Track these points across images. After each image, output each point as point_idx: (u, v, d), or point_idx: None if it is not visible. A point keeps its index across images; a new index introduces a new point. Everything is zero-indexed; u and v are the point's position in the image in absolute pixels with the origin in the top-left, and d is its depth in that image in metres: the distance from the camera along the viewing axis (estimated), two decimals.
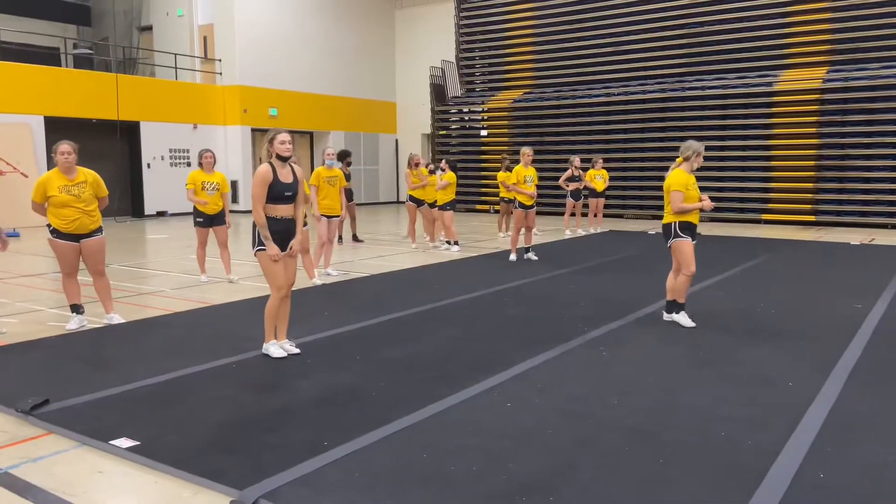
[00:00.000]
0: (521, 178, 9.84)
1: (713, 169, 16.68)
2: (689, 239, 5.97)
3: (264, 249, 4.97)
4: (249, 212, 18.43)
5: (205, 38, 20.88)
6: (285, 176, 5.00)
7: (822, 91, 15.34)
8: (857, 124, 15.13)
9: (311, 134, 22.96)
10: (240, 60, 19.96)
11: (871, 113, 14.95)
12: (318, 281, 8.28)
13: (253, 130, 20.47)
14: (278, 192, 4.95)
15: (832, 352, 5.16)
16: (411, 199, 12.17)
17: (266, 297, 5.29)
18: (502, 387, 4.44)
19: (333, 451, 3.41)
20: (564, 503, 2.93)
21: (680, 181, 5.88)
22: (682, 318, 6.02)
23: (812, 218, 15.46)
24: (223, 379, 4.65)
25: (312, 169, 18.39)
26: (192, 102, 19.54)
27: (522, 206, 9.90)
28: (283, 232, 5.03)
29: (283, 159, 4.99)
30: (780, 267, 9.51)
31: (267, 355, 5.08)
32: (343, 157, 12.37)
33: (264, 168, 4.95)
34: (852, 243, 12.14)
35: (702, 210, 5.90)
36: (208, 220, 8.24)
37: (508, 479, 3.14)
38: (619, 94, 18.18)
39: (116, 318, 6.28)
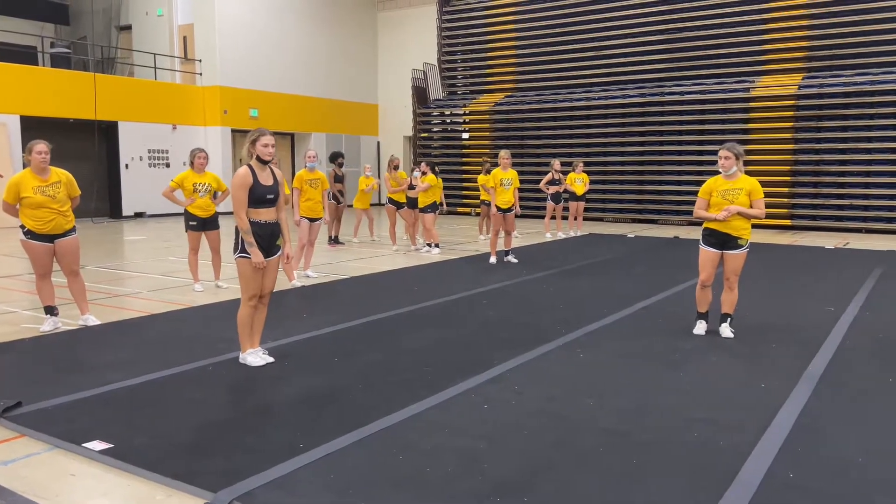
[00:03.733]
0: (497, 182, 9.88)
1: (691, 174, 16.87)
2: (705, 246, 5.78)
3: (247, 256, 4.82)
4: (231, 213, 18.27)
5: (185, 38, 20.72)
6: (265, 178, 4.85)
7: (798, 97, 15.58)
8: (831, 130, 15.39)
9: (292, 135, 22.86)
10: (220, 61, 19.83)
11: (845, 119, 15.21)
12: (297, 283, 8.24)
13: (233, 131, 20.34)
14: (260, 195, 4.81)
15: (804, 354, 5.24)
16: (391, 201, 12.17)
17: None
18: (480, 388, 4.46)
19: (309, 454, 3.41)
20: None
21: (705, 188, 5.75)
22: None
23: (788, 222, 15.69)
24: (199, 381, 4.62)
25: (294, 171, 18.30)
26: (171, 103, 19.37)
27: (499, 209, 9.95)
28: (267, 236, 4.89)
29: (264, 162, 4.84)
30: (756, 270, 9.62)
31: (245, 365, 4.94)
32: (334, 158, 12.32)
33: (243, 171, 4.79)
34: (827, 247, 12.33)
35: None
36: (201, 224, 7.84)
37: (484, 480, 3.15)
38: (599, 99, 18.32)
39: (92, 320, 6.21)
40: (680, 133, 17.11)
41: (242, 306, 4.92)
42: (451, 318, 6.61)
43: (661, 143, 17.39)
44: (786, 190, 15.77)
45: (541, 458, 3.42)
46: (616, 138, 17.99)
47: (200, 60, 20.03)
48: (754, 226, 5.84)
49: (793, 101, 15.60)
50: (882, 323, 6.34)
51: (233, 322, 5.92)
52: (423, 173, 11.55)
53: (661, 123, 17.34)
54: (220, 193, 8.03)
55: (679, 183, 17.10)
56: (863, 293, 7.76)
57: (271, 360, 5.00)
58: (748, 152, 16.24)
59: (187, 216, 7.89)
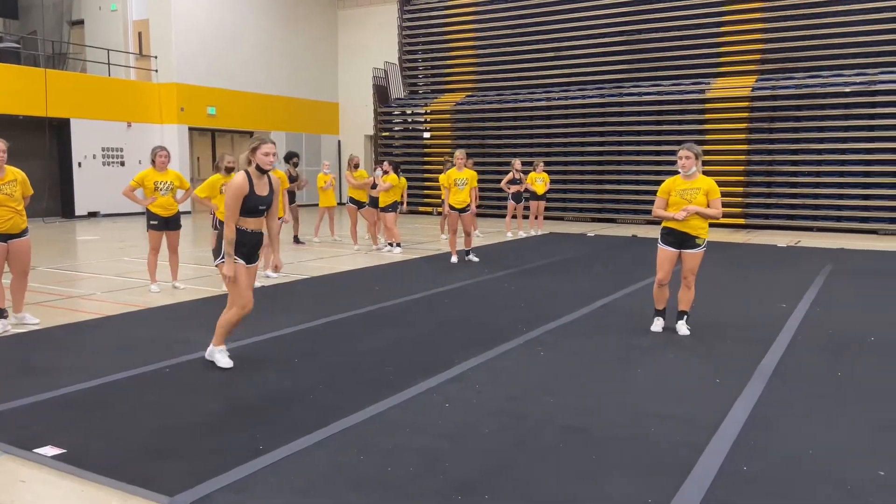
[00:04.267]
0: (451, 182, 9.91)
1: (649, 173, 17.17)
2: (663, 245, 5.88)
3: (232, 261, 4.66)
4: (189, 213, 18.07)
5: (140, 34, 20.26)
6: (261, 188, 4.68)
7: (752, 99, 15.98)
8: (783, 131, 15.82)
9: (251, 134, 22.50)
10: (176, 57, 19.44)
11: (797, 120, 15.65)
12: (256, 283, 8.13)
13: (191, 129, 19.97)
14: (252, 206, 4.64)
15: (758, 350, 5.39)
16: (352, 200, 12.11)
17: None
18: (440, 388, 4.47)
19: (269, 455, 3.38)
20: (499, 502, 2.98)
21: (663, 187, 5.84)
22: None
23: (742, 221, 16.08)
24: (156, 384, 4.53)
25: None
26: (125, 100, 18.92)
27: (453, 208, 9.98)
28: (249, 245, 4.75)
29: (263, 171, 4.67)
30: (710, 268, 9.84)
31: (212, 362, 4.86)
32: (289, 158, 12.21)
33: (241, 179, 4.59)
34: (779, 245, 12.68)
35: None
36: (163, 223, 7.64)
37: (445, 479, 3.17)
38: (559, 99, 18.51)
39: (29, 318, 6.10)
40: (638, 133, 17.40)
41: (231, 312, 4.77)
42: (412, 317, 6.61)
43: (621, 144, 17.65)
44: (740, 190, 16.15)
45: (501, 456, 3.45)
46: (576, 138, 18.20)
47: (156, 57, 19.61)
48: (711, 225, 5.97)
49: (747, 103, 15.99)
50: (831, 319, 6.55)
51: (191, 322, 5.82)
52: (385, 172, 11.51)
53: (621, 124, 17.61)
54: (182, 192, 7.90)
55: (638, 182, 17.39)
56: (813, 290, 8.00)
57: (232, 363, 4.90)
58: (704, 153, 16.62)
59: (149, 215, 7.73)
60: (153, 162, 7.70)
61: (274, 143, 4.73)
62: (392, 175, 11.45)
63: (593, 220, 17.93)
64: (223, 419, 3.90)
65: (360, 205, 12.06)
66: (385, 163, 11.80)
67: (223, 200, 7.77)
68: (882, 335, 5.88)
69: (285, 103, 22.81)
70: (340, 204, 18.38)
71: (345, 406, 4.07)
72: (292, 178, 12.23)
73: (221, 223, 4.80)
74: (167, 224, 7.74)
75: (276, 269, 5.35)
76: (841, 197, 15.31)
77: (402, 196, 11.74)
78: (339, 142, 25.21)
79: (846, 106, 15.09)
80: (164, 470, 3.22)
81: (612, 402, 4.22)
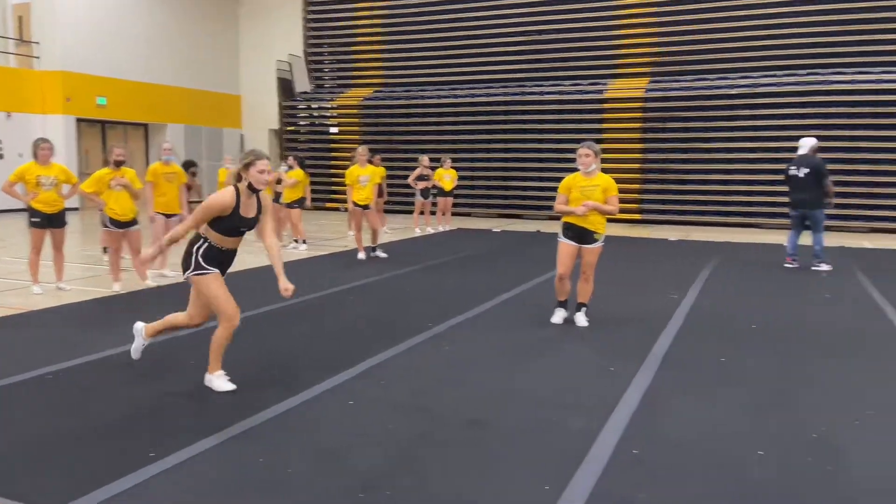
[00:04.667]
0: (354, 179, 9.85)
1: (552, 170, 17.65)
2: (564, 239, 6.05)
3: (207, 272, 4.15)
4: (77, 209, 16.95)
5: (20, 18, 18.88)
6: (248, 209, 4.19)
7: (645, 100, 16.75)
8: (675, 131, 16.67)
9: (145, 126, 21.48)
10: (61, 43, 18.23)
11: (686, 121, 16.53)
12: (150, 283, 7.78)
13: (78, 121, 18.80)
14: (231, 227, 4.16)
15: (649, 338, 5.66)
16: None
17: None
18: (346, 385, 4.44)
19: (161, 462, 3.24)
20: (401, 497, 2.99)
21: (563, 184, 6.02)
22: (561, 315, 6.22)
23: (638, 216, 16.82)
24: (37, 392, 4.26)
25: (147, 165, 17.25)
26: (4, 88, 17.58)
27: (356, 205, 9.92)
28: (222, 260, 4.27)
29: (254, 190, 4.22)
30: (608, 261, 10.23)
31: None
32: (188, 166, 11.62)
33: (228, 194, 4.10)
34: (671, 239, 13.35)
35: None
36: (46, 220, 7.18)
37: (347, 478, 3.15)
38: (466, 97, 18.72)
39: None
40: (541, 132, 17.86)
41: (222, 329, 4.24)
42: (318, 315, 6.52)
43: (525, 141, 18.06)
44: (636, 186, 16.89)
45: (404, 451, 3.46)
46: (482, 135, 18.47)
47: (38, 43, 18.32)
48: (609, 220, 6.22)
49: (641, 104, 16.74)
50: (717, 307, 6.97)
51: (76, 325, 5.51)
52: (290, 167, 11.28)
53: (524, 122, 18.01)
54: (69, 187, 7.44)
55: (542, 179, 17.84)
56: (700, 281, 8.48)
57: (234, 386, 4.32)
58: (603, 151, 17.27)
59: (31, 212, 7.22)
60: (35, 155, 7.22)
61: (268, 159, 4.23)
62: (298, 170, 11.24)
63: (500, 216, 18.25)
64: (112, 427, 3.71)
65: None
66: (290, 158, 11.56)
67: (114, 196, 7.42)
68: (762, 322, 6.31)
69: (183, 94, 21.85)
70: None
71: (246, 407, 3.97)
72: (189, 187, 11.69)
73: (195, 236, 4.26)
74: (51, 221, 7.28)
75: (287, 291, 4.38)
76: (727, 193, 16.29)
77: (305, 192, 11.52)
78: (241, 136, 24.43)
79: (731, 108, 16.08)
80: (44, 483, 3.04)
81: (513, 394, 4.33)
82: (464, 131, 18.69)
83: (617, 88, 17.25)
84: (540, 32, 18.39)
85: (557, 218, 6.24)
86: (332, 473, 3.19)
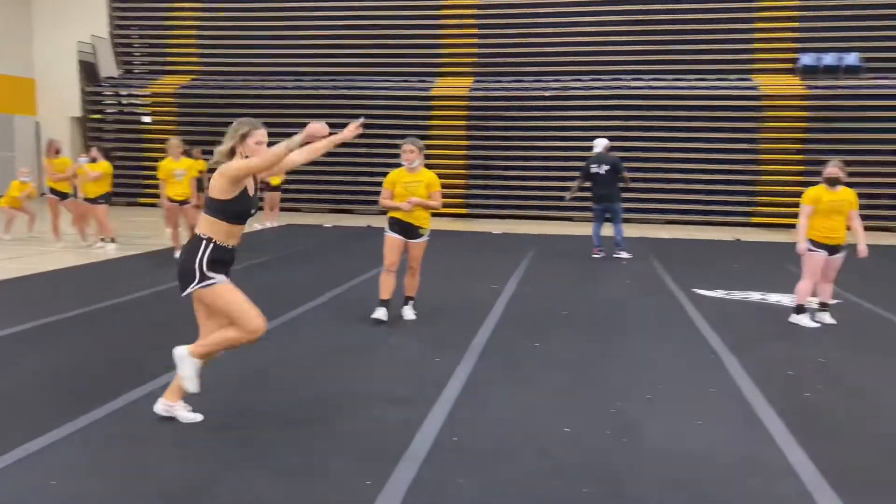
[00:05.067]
0: (168, 173, 9.30)
1: (382, 165, 17.75)
2: (390, 233, 6.10)
3: (213, 283, 3.50)
4: None
5: None
6: (250, 188, 3.66)
7: (470, 99, 17.40)
8: (497, 129, 17.48)
9: None
10: None
11: (507, 119, 17.40)
12: None
13: None
14: (244, 208, 3.61)
15: (472, 328, 5.89)
16: (52, 191, 10.69)
17: None
18: (159, 391, 4.17)
19: None
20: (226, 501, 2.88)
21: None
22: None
23: (464, 210, 17.43)
24: None
25: None
26: None
27: (172, 200, 9.39)
28: (227, 261, 3.66)
29: None
30: (435, 255, 10.49)
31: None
32: None
33: (244, 162, 3.51)
34: (494, 233, 13.98)
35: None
36: None
37: (162, 489, 2.97)
38: (294, 88, 18.27)
39: None
40: (370, 126, 17.84)
41: (240, 336, 3.63)
42: (126, 320, 6.08)
43: (357, 137, 17.97)
44: (462, 182, 17.48)
45: (224, 457, 3.33)
46: None
47: None
48: (435, 214, 6.38)
49: (466, 102, 17.36)
50: (533, 295, 7.43)
51: None
52: (94, 160, 10.33)
53: (353, 116, 17.81)
54: None
55: (372, 174, 17.85)
56: (520, 271, 8.99)
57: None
58: (429, 147, 17.67)
59: None
60: None
61: (265, 129, 3.64)
62: (104, 162, 10.32)
63: (331, 210, 18.04)
64: None
65: (62, 196, 10.69)
66: (93, 149, 10.58)
67: None
68: (573, 309, 6.82)
69: None
70: (41, 195, 16.06)
71: (35, 425, 3.60)
72: None
73: (191, 241, 3.65)
74: None
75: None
76: (543, 188, 17.37)
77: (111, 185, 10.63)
78: (37, 124, 21.92)
79: (545, 108, 17.15)
80: None
81: (338, 391, 4.32)
82: (292, 124, 18.05)
83: (443, 86, 17.72)
84: (369, 27, 18.39)
85: (387, 212, 6.31)
86: (145, 487, 2.99)
